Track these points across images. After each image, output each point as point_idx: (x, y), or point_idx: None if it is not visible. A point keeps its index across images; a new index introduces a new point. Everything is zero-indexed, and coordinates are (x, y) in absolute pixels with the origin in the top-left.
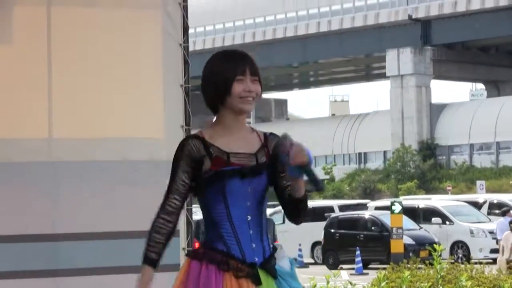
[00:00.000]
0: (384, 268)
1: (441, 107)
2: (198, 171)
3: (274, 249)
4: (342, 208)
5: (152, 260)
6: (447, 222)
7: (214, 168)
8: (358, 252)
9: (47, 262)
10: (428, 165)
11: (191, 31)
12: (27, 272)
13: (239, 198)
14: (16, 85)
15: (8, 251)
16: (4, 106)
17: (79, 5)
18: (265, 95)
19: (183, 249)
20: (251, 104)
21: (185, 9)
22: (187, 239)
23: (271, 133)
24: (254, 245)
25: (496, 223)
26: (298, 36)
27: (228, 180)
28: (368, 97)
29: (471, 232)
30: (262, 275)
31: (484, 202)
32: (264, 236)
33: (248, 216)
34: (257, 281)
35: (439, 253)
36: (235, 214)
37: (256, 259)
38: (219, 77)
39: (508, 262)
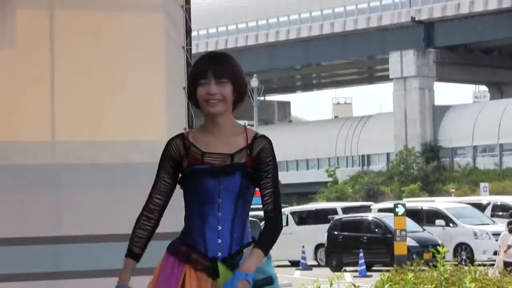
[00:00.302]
0: (388, 270)
1: (444, 109)
2: (180, 170)
3: (249, 244)
4: (345, 210)
5: (135, 254)
6: (451, 224)
7: (189, 167)
8: (361, 254)
9: (50, 265)
10: (432, 167)
11: (193, 33)
12: (30, 274)
13: (210, 195)
14: (19, 88)
15: (11, 254)
16: (7, 109)
17: (81, 9)
18: (268, 98)
19: None
20: (216, 106)
21: (187, 11)
22: None
23: (261, 136)
24: (220, 241)
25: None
26: (301, 39)
27: (200, 178)
28: (371, 99)
29: (475, 234)
30: (221, 269)
31: (488, 204)
32: (236, 232)
33: (219, 213)
34: (214, 275)
35: (443, 255)
36: (205, 211)
37: (219, 254)
38: (189, 81)
39: (505, 264)
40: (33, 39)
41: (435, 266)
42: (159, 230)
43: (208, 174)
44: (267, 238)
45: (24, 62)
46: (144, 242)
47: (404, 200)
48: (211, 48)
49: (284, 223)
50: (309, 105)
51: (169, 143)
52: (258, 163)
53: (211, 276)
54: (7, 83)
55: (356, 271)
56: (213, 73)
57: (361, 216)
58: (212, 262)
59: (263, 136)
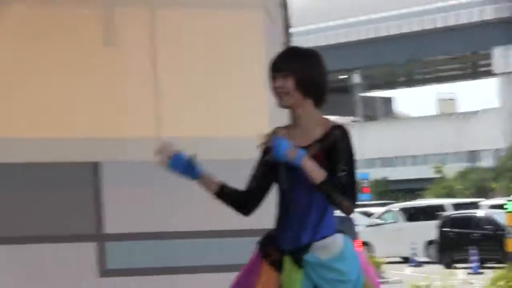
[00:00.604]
0: (501, 267)
1: None
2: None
3: (324, 238)
4: (455, 206)
5: (219, 181)
6: None
7: (271, 159)
8: (473, 251)
9: (165, 260)
10: None
11: (294, 30)
12: (149, 269)
13: (286, 188)
14: (123, 87)
15: (142, 248)
16: (111, 108)
17: (181, 7)
18: (371, 93)
19: None
20: (281, 99)
21: (287, 8)
22: None
23: (338, 126)
24: (291, 234)
25: None
26: (403, 34)
27: (277, 171)
28: (475, 95)
29: None
30: (287, 262)
31: None
32: (309, 226)
33: (294, 206)
34: (279, 268)
35: None
36: (284, 203)
37: (288, 246)
38: None
39: None
40: (136, 38)
41: None
42: (253, 226)
43: (281, 167)
44: (334, 183)
45: (127, 61)
46: (229, 188)
47: None
48: (310, 44)
49: (392, 219)
50: (412, 100)
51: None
52: (332, 153)
53: (278, 269)
54: (111, 82)
55: (467, 267)
56: (277, 67)
57: (472, 213)
58: (281, 255)
59: (339, 126)
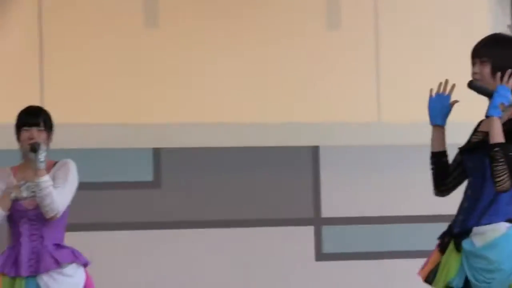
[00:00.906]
0: None
1: None
2: None
3: (489, 224)
4: None
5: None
6: None
7: None
8: None
9: (375, 244)
10: None
11: None
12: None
13: (468, 173)
14: (344, 71)
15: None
16: (330, 91)
17: None
18: None
19: None
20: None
21: None
22: None
23: None
24: (461, 217)
25: None
26: None
27: (463, 157)
28: None
29: None
30: (451, 246)
31: None
32: (477, 211)
33: (469, 191)
34: (443, 250)
35: None
36: (465, 189)
37: (456, 230)
38: None
39: None
40: (359, 20)
41: None
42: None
43: (464, 152)
44: (505, 153)
45: (349, 44)
46: (446, 157)
47: None
48: None
49: None
50: None
51: None
52: (510, 136)
53: (443, 252)
54: (333, 65)
55: None
56: (477, 53)
57: None
58: (449, 237)
59: None
